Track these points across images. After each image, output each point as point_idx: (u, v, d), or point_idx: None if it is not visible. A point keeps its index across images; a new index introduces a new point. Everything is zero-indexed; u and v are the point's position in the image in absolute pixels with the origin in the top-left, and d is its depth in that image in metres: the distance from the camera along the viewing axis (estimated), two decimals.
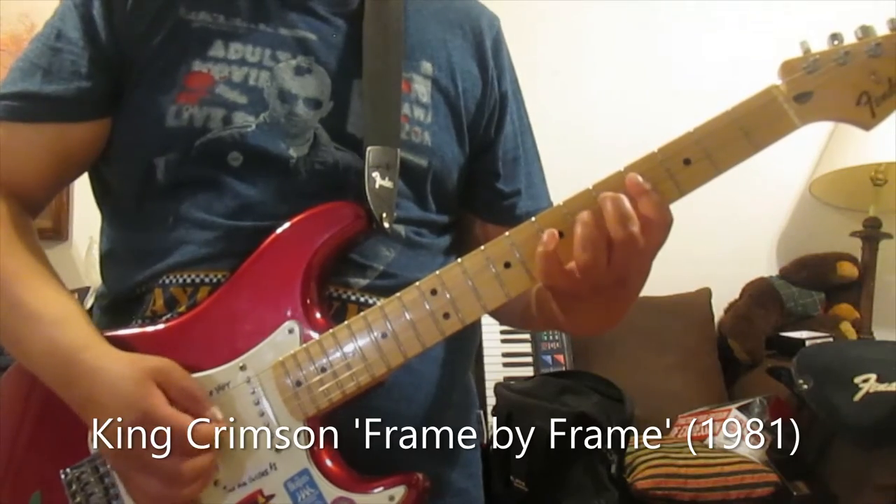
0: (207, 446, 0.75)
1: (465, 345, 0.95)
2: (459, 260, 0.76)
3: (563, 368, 2.13)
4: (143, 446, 0.73)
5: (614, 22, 2.61)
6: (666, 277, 2.44)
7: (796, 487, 1.68)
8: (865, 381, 1.66)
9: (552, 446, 1.62)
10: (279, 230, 0.82)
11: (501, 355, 2.16)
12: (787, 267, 2.41)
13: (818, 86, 0.72)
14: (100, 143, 0.88)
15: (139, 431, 0.73)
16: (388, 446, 0.84)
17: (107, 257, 0.93)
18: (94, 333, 0.80)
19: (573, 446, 1.61)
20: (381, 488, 0.76)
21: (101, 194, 0.94)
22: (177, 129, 0.84)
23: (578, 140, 2.43)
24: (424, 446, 0.87)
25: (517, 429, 1.72)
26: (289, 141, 0.85)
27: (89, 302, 0.95)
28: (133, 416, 0.73)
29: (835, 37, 0.73)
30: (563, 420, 1.62)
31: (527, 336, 2.19)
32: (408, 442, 0.86)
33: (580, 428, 1.61)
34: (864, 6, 0.75)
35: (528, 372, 2.12)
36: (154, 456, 0.74)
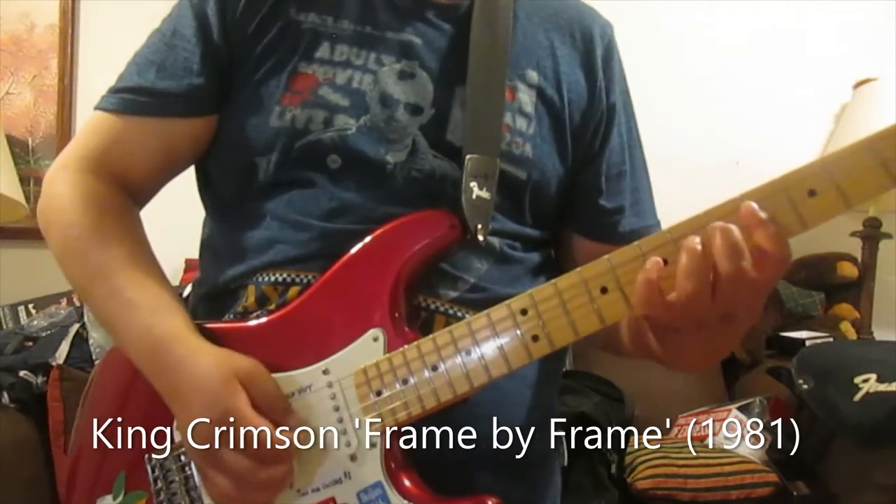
0: (282, 455, 0.74)
1: (554, 366, 0.92)
2: (554, 280, 0.73)
3: (564, 368, 2.13)
4: (219, 445, 0.73)
5: (614, 22, 2.60)
6: None
7: (796, 487, 1.68)
8: (865, 381, 1.66)
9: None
10: (371, 235, 0.81)
11: None
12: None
13: None
14: (207, 139, 0.90)
15: (220, 429, 0.73)
16: (464, 464, 0.82)
17: (205, 248, 0.94)
18: (188, 325, 0.81)
19: (573, 446, 1.61)
20: None
21: (204, 186, 0.95)
22: (279, 130, 0.84)
23: None
24: (503, 467, 0.85)
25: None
26: (387, 146, 0.84)
27: (186, 290, 0.96)
28: (215, 413, 0.73)
29: None
30: (563, 420, 1.62)
31: None
32: (485, 461, 0.84)
33: (580, 428, 1.61)
34: None
35: None
36: (231, 458, 0.74)
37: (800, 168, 0.67)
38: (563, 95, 0.91)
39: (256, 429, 0.73)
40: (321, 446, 0.77)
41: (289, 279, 0.83)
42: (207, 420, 0.74)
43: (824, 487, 1.73)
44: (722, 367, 2.30)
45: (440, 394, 0.75)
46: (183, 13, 0.89)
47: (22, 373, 1.85)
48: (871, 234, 2.30)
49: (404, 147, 0.85)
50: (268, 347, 0.80)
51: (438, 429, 0.79)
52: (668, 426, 2.08)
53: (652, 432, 1.94)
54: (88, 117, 0.91)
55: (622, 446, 1.69)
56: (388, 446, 0.76)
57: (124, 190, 0.89)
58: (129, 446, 0.84)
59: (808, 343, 2.08)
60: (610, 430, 1.64)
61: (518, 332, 0.72)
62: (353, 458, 0.77)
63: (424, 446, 0.79)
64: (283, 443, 0.74)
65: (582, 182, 0.93)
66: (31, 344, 1.97)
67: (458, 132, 0.85)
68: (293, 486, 0.78)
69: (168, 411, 0.79)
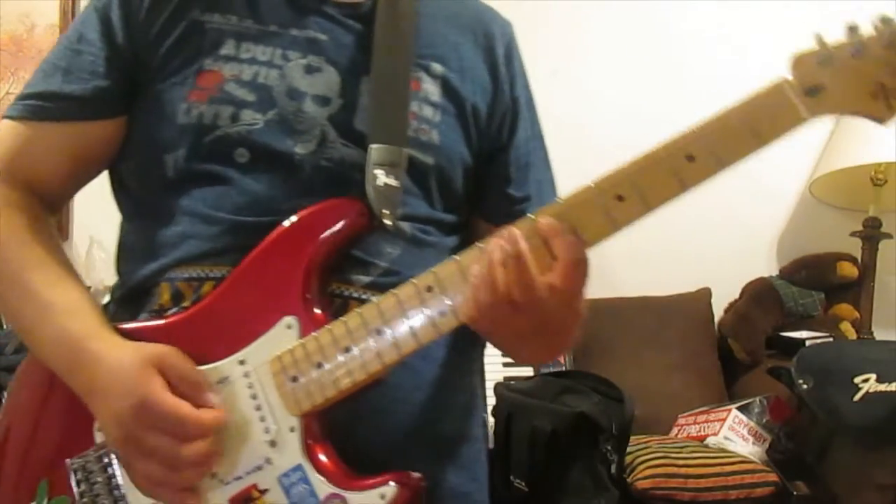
0: (204, 431, 0.76)
1: (469, 347, 0.95)
2: (455, 256, 0.76)
3: (563, 368, 2.13)
4: (140, 431, 0.75)
5: (614, 21, 2.61)
6: (666, 277, 2.47)
7: (796, 487, 1.68)
8: (865, 381, 1.66)
9: (552, 446, 1.62)
10: (281, 226, 0.83)
11: (501, 355, 2.16)
12: (787, 267, 2.41)
13: (831, 79, 0.70)
14: (117, 141, 0.91)
15: (139, 415, 0.75)
16: (386, 446, 0.84)
17: (121, 250, 0.95)
18: (103, 324, 0.83)
19: (573, 446, 1.61)
20: (373, 486, 0.76)
21: (117, 188, 0.96)
22: (186, 126, 0.86)
23: (578, 140, 2.42)
24: (423, 447, 0.88)
25: (517, 428, 1.72)
26: (296, 137, 0.86)
27: (105, 298, 0.97)
28: (132, 401, 0.75)
29: (851, 28, 0.70)
30: (563, 420, 1.62)
31: None
32: (407, 442, 0.86)
33: (580, 428, 1.61)
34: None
35: (528, 372, 2.12)
36: (153, 441, 0.75)
37: (678, 137, 0.72)
38: (468, 86, 0.95)
39: (174, 409, 0.75)
40: (240, 436, 0.79)
41: (202, 274, 0.85)
42: (126, 408, 0.75)
43: (824, 487, 1.72)
44: (722, 367, 2.30)
45: (354, 375, 0.77)
46: (88, 18, 0.91)
47: None
48: (871, 234, 2.30)
49: (313, 138, 0.86)
50: (183, 343, 0.81)
51: (357, 411, 0.81)
52: (668, 426, 2.08)
53: (652, 432, 1.95)
54: None
55: (622, 446, 1.69)
56: (306, 430, 0.78)
57: (37, 196, 0.90)
58: (49, 452, 0.85)
59: (808, 343, 2.08)
60: (610, 430, 1.64)
61: (424, 307, 0.76)
62: (272, 444, 0.79)
63: (345, 429, 0.81)
64: (201, 419, 0.76)
65: (492, 171, 0.97)
66: None
67: (366, 121, 0.87)
68: (216, 476, 0.79)
69: (87, 413, 0.80)
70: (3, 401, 0.92)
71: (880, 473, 1.66)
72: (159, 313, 0.86)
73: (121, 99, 0.89)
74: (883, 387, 1.64)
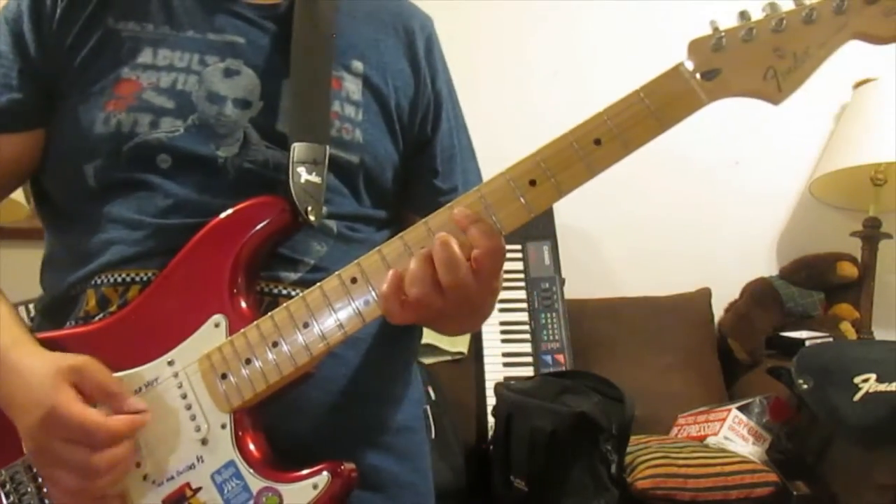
0: (116, 437, 0.76)
1: (402, 338, 0.96)
2: (379, 248, 0.77)
3: (563, 368, 2.13)
4: (50, 442, 0.75)
5: (614, 21, 2.60)
6: (666, 277, 2.47)
7: (796, 487, 1.68)
8: (865, 381, 1.66)
9: (552, 446, 1.62)
10: (205, 226, 0.83)
11: (501, 355, 2.16)
12: (787, 267, 2.41)
13: (725, 63, 0.74)
14: (35, 154, 0.90)
15: (48, 427, 0.75)
16: (319, 438, 0.84)
17: (45, 263, 0.95)
18: (23, 334, 0.82)
19: (573, 446, 1.61)
20: (305, 477, 0.77)
21: (39, 201, 0.95)
22: (105, 135, 0.85)
23: None
24: (358, 438, 0.89)
25: (517, 428, 1.72)
26: (218, 141, 0.86)
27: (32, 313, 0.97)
28: (41, 412, 0.75)
29: (743, 14, 0.75)
30: (563, 420, 1.62)
31: (527, 336, 2.19)
32: (340, 433, 0.86)
33: (580, 428, 1.61)
34: None
35: (528, 372, 2.12)
36: (64, 451, 0.75)
37: (585, 121, 0.76)
38: (389, 83, 0.95)
39: (79, 419, 0.74)
40: (171, 436, 0.80)
41: (128, 279, 0.84)
42: (35, 420, 0.75)
43: (824, 487, 1.72)
44: (722, 367, 2.30)
45: (282, 367, 0.78)
46: None
47: None
48: (871, 234, 2.30)
49: (235, 140, 0.87)
50: (110, 348, 0.81)
51: (289, 405, 0.82)
52: (668, 426, 2.08)
53: (652, 432, 1.95)
54: None
55: (622, 446, 1.69)
56: (237, 425, 0.79)
57: None
58: None
59: (808, 343, 2.08)
60: (610, 430, 1.64)
61: (349, 298, 0.77)
62: (204, 442, 0.79)
63: (278, 423, 0.81)
64: (110, 426, 0.75)
65: (418, 165, 0.99)
66: None
67: (288, 121, 0.88)
68: (147, 478, 0.80)
69: (13, 423, 0.79)
70: None
71: (880, 473, 1.66)
72: (85, 320, 0.85)
73: (36, 111, 0.89)
74: (883, 387, 1.64)
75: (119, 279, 0.84)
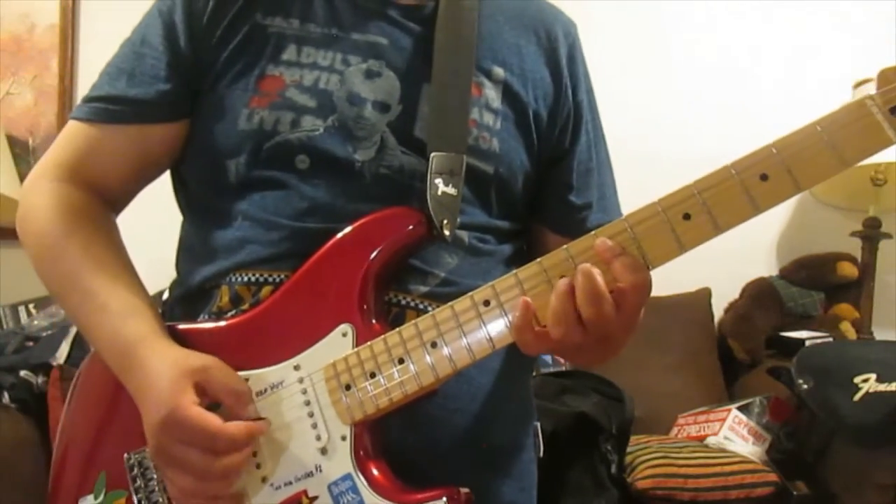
0: (236, 444, 0.76)
1: (523, 357, 0.92)
2: (515, 271, 0.74)
3: (563, 368, 2.13)
4: (170, 443, 0.76)
5: (615, 21, 2.60)
6: (666, 277, 2.45)
7: (796, 487, 1.68)
8: (865, 381, 1.66)
9: (552, 446, 1.62)
10: (340, 234, 0.82)
11: None
12: (787, 267, 2.41)
13: None
14: (179, 144, 0.92)
15: (169, 428, 0.75)
16: (437, 456, 0.83)
17: (181, 250, 0.96)
18: (155, 328, 0.83)
19: (573, 446, 1.61)
20: (422, 500, 0.76)
21: (179, 189, 0.97)
22: (248, 132, 0.86)
23: None
24: (475, 457, 0.87)
25: None
26: (355, 144, 0.86)
27: (166, 293, 0.98)
28: (162, 413, 0.76)
29: None
30: (563, 420, 1.62)
31: None
32: (458, 453, 0.85)
33: (580, 428, 1.61)
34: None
35: None
36: (182, 454, 0.76)
37: (752, 153, 0.69)
38: (529, 91, 0.93)
39: (199, 424, 0.74)
40: (293, 441, 0.79)
41: (261, 279, 0.85)
42: (156, 420, 0.76)
43: (824, 487, 1.72)
44: (722, 367, 2.30)
45: (407, 386, 0.76)
46: (151, 21, 0.91)
47: (22, 373, 1.85)
48: (871, 234, 2.30)
49: (373, 144, 0.86)
50: (240, 346, 0.82)
51: (410, 421, 0.81)
52: (668, 426, 2.08)
53: (652, 432, 1.95)
54: (65, 126, 0.93)
55: (622, 446, 1.69)
56: (357, 439, 0.78)
57: (100, 196, 0.91)
58: (109, 445, 0.86)
59: (808, 343, 2.08)
60: (610, 430, 1.64)
61: (481, 322, 0.74)
62: (323, 451, 0.78)
63: (397, 438, 0.80)
64: (231, 433, 0.75)
65: (553, 178, 0.96)
66: (31, 344, 1.97)
67: (426, 128, 0.87)
68: (265, 480, 0.80)
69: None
70: (70, 390, 0.93)
71: (880, 473, 1.66)
72: (218, 315, 0.86)
73: (183, 102, 0.90)
74: (883, 387, 1.64)
75: (253, 279, 0.85)
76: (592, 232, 0.72)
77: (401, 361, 0.76)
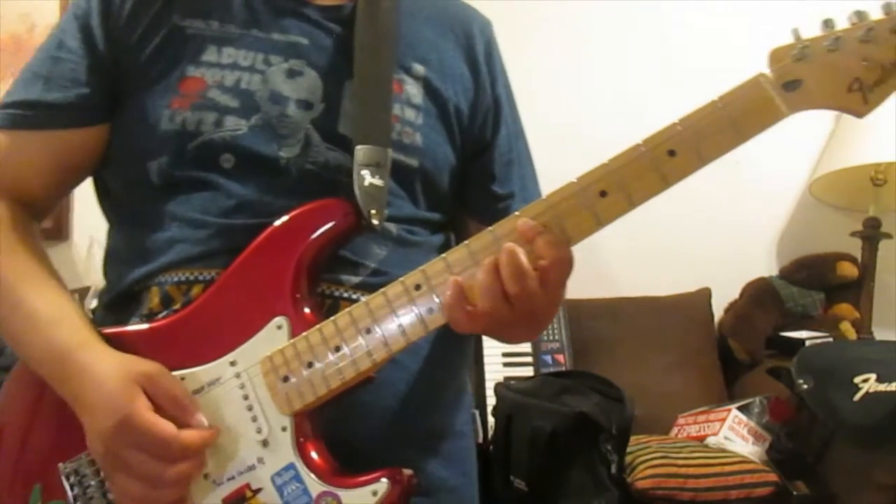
0: (187, 452, 0.76)
1: (458, 343, 0.95)
2: (444, 255, 0.77)
3: (563, 368, 2.13)
4: (123, 450, 0.75)
5: (615, 22, 2.60)
6: (666, 277, 2.47)
7: (796, 487, 1.68)
8: (865, 381, 1.65)
9: (552, 446, 1.62)
10: (269, 228, 0.83)
11: (501, 355, 2.16)
12: (787, 267, 2.41)
13: (808, 73, 0.71)
14: (100, 148, 0.91)
15: (122, 434, 0.75)
16: (375, 442, 0.84)
17: (109, 255, 0.95)
18: (90, 334, 0.82)
19: (573, 446, 1.61)
20: (365, 483, 0.77)
21: (102, 195, 0.96)
22: (170, 133, 0.86)
23: (578, 140, 2.43)
24: (412, 442, 0.89)
25: (517, 428, 1.72)
26: (280, 142, 0.86)
27: (93, 302, 0.97)
28: (115, 419, 0.75)
29: (827, 23, 0.71)
30: (563, 420, 1.62)
31: None
32: (397, 438, 0.86)
33: (580, 428, 1.61)
34: None
35: (528, 372, 2.12)
36: (134, 460, 0.75)
37: (659, 131, 0.73)
38: (450, 87, 0.95)
39: (155, 431, 0.75)
40: (232, 437, 0.80)
41: (192, 278, 0.85)
42: (108, 426, 0.75)
43: (824, 487, 1.72)
44: (722, 367, 2.30)
45: (345, 372, 0.78)
46: (67, 25, 0.90)
47: None
48: (871, 234, 2.30)
49: (297, 142, 0.87)
50: (174, 346, 0.82)
51: (348, 409, 0.82)
52: (668, 426, 2.08)
53: (652, 432, 1.95)
54: None
55: (622, 446, 1.69)
56: (298, 429, 0.79)
57: (21, 204, 0.90)
58: (42, 456, 0.85)
59: (807, 343, 2.08)
60: (610, 430, 1.64)
61: (413, 305, 0.76)
62: (265, 443, 0.79)
63: (336, 426, 0.81)
64: (186, 440, 0.76)
65: (476, 170, 0.98)
66: None
67: (350, 125, 0.88)
68: (208, 478, 0.80)
69: (77, 418, 0.80)
70: None
71: (880, 473, 1.66)
72: (149, 317, 0.86)
73: (103, 106, 0.89)
74: (883, 387, 1.64)
75: (183, 278, 0.85)
76: (515, 213, 0.75)
77: (337, 349, 0.78)
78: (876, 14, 0.70)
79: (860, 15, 0.70)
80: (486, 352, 2.16)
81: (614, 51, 2.60)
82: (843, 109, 0.72)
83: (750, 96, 0.72)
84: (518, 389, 1.82)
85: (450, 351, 0.93)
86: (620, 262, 2.53)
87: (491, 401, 1.94)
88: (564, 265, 0.74)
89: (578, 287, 2.73)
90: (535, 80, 2.57)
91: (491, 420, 1.90)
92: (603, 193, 0.74)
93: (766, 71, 0.72)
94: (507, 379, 2.01)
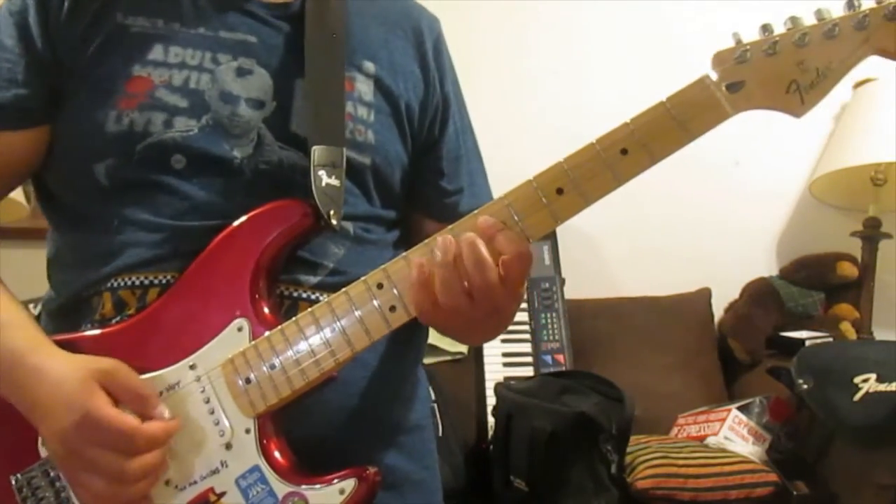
0: (150, 444, 0.75)
1: (413, 338, 0.96)
2: (405, 253, 0.77)
3: (563, 368, 2.13)
4: (85, 447, 0.74)
5: (614, 22, 2.60)
6: (666, 277, 2.47)
7: (796, 487, 1.68)
8: (865, 381, 1.65)
9: (552, 446, 1.62)
10: (227, 229, 0.82)
11: (501, 355, 2.16)
12: (787, 267, 2.41)
13: (749, 75, 0.74)
14: (41, 151, 0.88)
15: (83, 431, 0.74)
16: (339, 440, 0.84)
17: (53, 262, 0.93)
18: (41, 337, 0.81)
19: (573, 446, 1.61)
20: (331, 482, 0.77)
21: (44, 199, 0.93)
22: (117, 134, 0.84)
23: (578, 140, 2.43)
24: (375, 438, 0.89)
25: (517, 428, 1.72)
26: (232, 142, 0.85)
27: (37, 310, 0.95)
28: (75, 417, 0.74)
29: (765, 28, 0.75)
30: (563, 420, 1.62)
31: (527, 336, 2.19)
32: (360, 434, 0.87)
33: (580, 428, 1.61)
34: None
35: (528, 372, 2.12)
36: (97, 456, 0.74)
37: (611, 132, 0.76)
38: (400, 84, 0.95)
39: (117, 425, 0.73)
40: (194, 441, 0.79)
41: (146, 281, 0.83)
42: (69, 424, 0.74)
43: (824, 487, 1.72)
44: (722, 367, 2.30)
45: (308, 373, 0.78)
46: (2, 24, 0.87)
47: None
48: (871, 234, 2.30)
49: (249, 141, 0.86)
50: (131, 351, 0.80)
51: (310, 409, 0.82)
52: (668, 426, 2.08)
53: (652, 432, 1.95)
54: None
55: (622, 446, 1.69)
56: (261, 430, 0.79)
57: None
58: None
59: (807, 343, 2.08)
60: (610, 430, 1.64)
61: (376, 303, 0.77)
62: (227, 446, 0.79)
63: (299, 427, 0.81)
64: (149, 431, 0.75)
65: (425, 166, 0.99)
66: None
67: (303, 123, 0.87)
68: (170, 483, 0.79)
69: (29, 427, 0.78)
70: None
71: (880, 473, 1.66)
72: (101, 323, 0.84)
73: (43, 107, 0.86)
74: (883, 387, 1.64)
75: (137, 282, 0.83)
76: (475, 211, 0.76)
77: (300, 350, 0.78)
78: (810, 20, 0.73)
79: (795, 21, 0.74)
80: (486, 352, 2.16)
81: (614, 51, 2.60)
82: (783, 110, 0.75)
83: (696, 96, 0.75)
84: (518, 389, 1.82)
85: (404, 344, 0.94)
86: (621, 263, 2.53)
87: (491, 401, 1.94)
88: (525, 260, 0.74)
89: (578, 287, 2.74)
90: (535, 80, 2.57)
91: (491, 420, 1.90)
92: (559, 191, 0.76)
93: (710, 71, 0.76)
94: (507, 379, 2.01)
